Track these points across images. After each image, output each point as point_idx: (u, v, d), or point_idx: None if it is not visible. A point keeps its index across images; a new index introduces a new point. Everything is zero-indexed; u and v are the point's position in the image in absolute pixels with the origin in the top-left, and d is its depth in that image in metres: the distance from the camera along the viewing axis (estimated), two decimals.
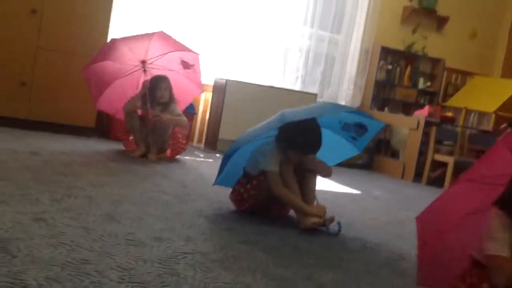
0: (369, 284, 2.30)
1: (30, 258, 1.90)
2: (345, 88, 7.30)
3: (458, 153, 6.73)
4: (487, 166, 2.10)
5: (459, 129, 6.98)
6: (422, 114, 6.73)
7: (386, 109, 7.49)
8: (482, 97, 7.33)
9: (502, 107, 7.11)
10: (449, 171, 6.28)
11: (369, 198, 4.64)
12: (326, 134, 3.25)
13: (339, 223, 3.06)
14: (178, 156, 4.95)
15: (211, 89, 6.32)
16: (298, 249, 2.65)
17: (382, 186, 5.57)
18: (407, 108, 7.65)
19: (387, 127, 7.10)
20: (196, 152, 5.68)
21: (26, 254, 1.93)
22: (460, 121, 7.32)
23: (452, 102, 7.68)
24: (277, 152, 3.12)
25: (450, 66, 7.85)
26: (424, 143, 6.57)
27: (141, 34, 4.90)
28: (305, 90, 6.90)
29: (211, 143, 6.14)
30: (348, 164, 6.27)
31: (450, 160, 6.33)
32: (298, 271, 2.29)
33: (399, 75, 7.60)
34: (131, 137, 4.84)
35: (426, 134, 6.57)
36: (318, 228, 3.03)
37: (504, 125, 6.23)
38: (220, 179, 3.39)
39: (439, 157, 6.49)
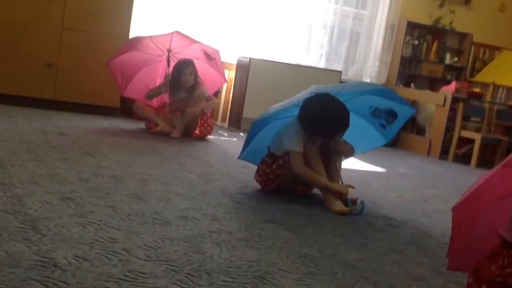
0: (395, 262, 2.29)
1: (59, 237, 1.94)
2: (370, 64, 7.22)
3: (485, 129, 6.63)
4: None
5: (486, 105, 6.86)
6: (449, 90, 6.63)
7: (412, 85, 7.39)
8: (510, 72, 7.18)
9: None
10: (476, 148, 6.20)
11: (395, 176, 4.61)
12: (356, 121, 3.22)
13: (362, 202, 3.04)
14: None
15: (234, 67, 6.31)
16: (324, 228, 2.65)
17: (408, 164, 5.53)
18: (434, 84, 7.54)
19: (413, 103, 7.02)
20: (220, 131, 5.70)
21: (55, 233, 1.98)
22: (488, 97, 7.19)
23: (480, 77, 7.54)
24: (302, 132, 3.10)
25: (477, 41, 7.69)
26: (451, 119, 6.48)
27: (161, 34, 4.97)
28: (330, 67, 6.84)
29: (235, 122, 6.15)
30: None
31: (477, 136, 6.24)
32: (324, 250, 2.30)
33: (425, 51, 7.48)
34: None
35: (452, 110, 6.48)
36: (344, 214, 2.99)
37: None
38: (245, 154, 3.39)
39: (466, 134, 6.40)
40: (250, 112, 5.85)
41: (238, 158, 3.45)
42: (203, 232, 2.27)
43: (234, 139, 5.31)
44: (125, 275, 1.71)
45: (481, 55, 7.94)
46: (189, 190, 2.95)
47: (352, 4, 7.03)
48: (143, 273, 1.75)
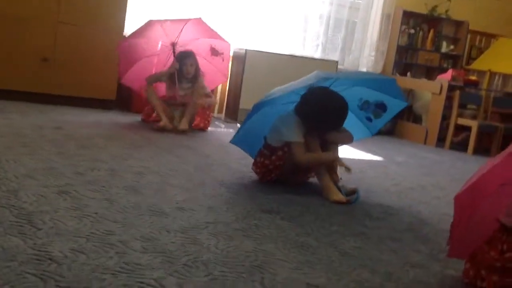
0: (392, 250, 2.29)
1: (55, 230, 1.94)
2: (366, 54, 7.20)
3: (482, 117, 6.62)
4: None
5: (483, 93, 6.85)
6: (445, 78, 6.62)
7: (408, 74, 7.38)
8: (506, 59, 7.17)
9: None
10: (472, 135, 6.20)
11: (391, 164, 4.61)
12: None
13: (357, 191, 3.04)
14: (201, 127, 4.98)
15: (231, 59, 6.28)
16: (321, 217, 2.65)
17: (405, 152, 5.53)
18: (430, 73, 7.53)
19: (410, 92, 7.01)
20: (217, 123, 5.69)
21: (51, 226, 1.97)
22: (484, 84, 7.18)
23: (476, 65, 7.53)
24: (301, 124, 3.10)
25: (473, 29, 7.67)
26: (447, 107, 6.47)
27: (178, 19, 4.99)
28: (326, 57, 6.82)
29: (232, 113, 6.13)
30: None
31: (473, 124, 6.24)
32: (321, 239, 2.30)
33: (421, 39, 7.46)
34: (154, 115, 4.88)
35: (449, 99, 6.47)
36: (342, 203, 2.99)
37: None
38: (237, 139, 3.38)
39: (463, 121, 6.40)
40: (247, 103, 5.83)
41: (230, 142, 3.43)
42: (200, 223, 2.26)
43: (231, 130, 5.30)
44: (121, 267, 1.71)
45: (477, 43, 7.93)
46: (185, 182, 2.94)
47: None
48: (140, 264, 1.75)
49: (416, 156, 5.35)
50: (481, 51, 7.83)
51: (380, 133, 6.62)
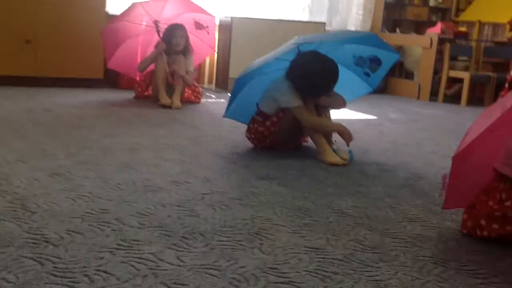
0: (389, 206, 2.29)
1: (49, 213, 1.92)
2: (354, 13, 7.11)
3: (473, 68, 6.58)
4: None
5: (473, 43, 6.80)
6: (434, 31, 6.56)
7: (397, 30, 7.30)
8: (495, 8, 7.10)
9: None
10: (465, 87, 6.18)
11: (386, 122, 4.60)
12: (340, 71, 3.19)
13: (350, 152, 3.02)
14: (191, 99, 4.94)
15: (217, 29, 6.20)
16: (317, 179, 2.65)
17: (398, 109, 5.51)
18: (420, 27, 7.45)
19: (400, 49, 6.95)
20: (208, 94, 5.64)
21: (45, 209, 1.96)
22: (474, 35, 7.12)
23: (465, 16, 7.45)
24: (295, 89, 3.07)
25: None
26: (439, 61, 6.43)
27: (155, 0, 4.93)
28: (313, 19, 6.74)
29: (222, 83, 6.08)
30: None
31: (465, 75, 6.21)
32: (318, 201, 2.29)
33: None
34: (147, 92, 4.86)
35: (440, 52, 6.42)
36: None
37: None
38: (230, 112, 3.36)
39: (455, 74, 6.37)
40: (236, 72, 5.71)
41: (224, 116, 3.42)
42: (196, 195, 2.25)
43: (222, 100, 5.26)
44: (119, 244, 1.70)
45: None
46: (179, 155, 2.92)
47: None
48: (137, 240, 1.74)
49: (409, 112, 5.33)
50: (469, 2, 7.73)
51: (372, 91, 6.59)
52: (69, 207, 2.00)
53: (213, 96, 5.55)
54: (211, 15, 5.12)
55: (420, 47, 6.62)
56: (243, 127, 3.33)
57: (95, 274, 1.49)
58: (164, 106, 4.49)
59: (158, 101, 4.59)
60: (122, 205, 2.06)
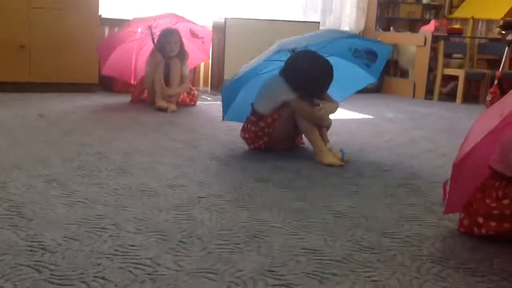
0: (386, 206, 2.29)
1: (46, 219, 1.92)
2: (347, 12, 7.11)
3: (468, 65, 6.59)
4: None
5: (467, 40, 6.81)
6: (428, 29, 6.55)
7: (391, 28, 7.31)
8: (488, 4, 7.10)
9: (510, 12, 6.89)
10: (460, 84, 6.18)
11: (382, 121, 4.60)
12: (341, 63, 3.19)
13: (341, 151, 3.01)
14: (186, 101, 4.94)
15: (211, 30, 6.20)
16: (313, 181, 2.65)
17: (394, 108, 5.51)
18: (414, 25, 7.46)
19: (394, 47, 6.95)
20: (203, 96, 5.64)
21: (42, 216, 1.95)
22: (468, 32, 7.13)
23: (458, 13, 7.45)
24: (289, 88, 3.08)
25: None
26: (433, 59, 6.44)
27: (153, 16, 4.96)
28: (307, 19, 6.74)
29: (217, 84, 6.06)
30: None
31: (460, 73, 6.21)
32: (314, 202, 2.29)
33: None
34: (143, 96, 4.87)
35: (434, 50, 6.43)
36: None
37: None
38: (229, 115, 3.36)
39: (449, 71, 6.37)
40: (231, 73, 5.69)
41: (223, 120, 3.42)
42: (192, 199, 2.25)
43: (218, 102, 5.24)
44: (116, 250, 1.69)
45: None
46: (175, 159, 2.92)
47: None
48: (134, 245, 1.74)
49: (405, 111, 5.34)
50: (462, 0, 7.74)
51: (368, 90, 6.59)
52: (66, 213, 2.00)
53: (209, 98, 5.54)
54: (208, 29, 5.15)
55: (415, 45, 6.63)
56: (239, 129, 3.33)
57: (93, 280, 1.49)
58: (160, 109, 4.48)
59: (154, 104, 4.58)
60: (119, 210, 2.06)
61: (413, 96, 6.51)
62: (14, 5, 4.93)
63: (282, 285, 1.52)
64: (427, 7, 7.52)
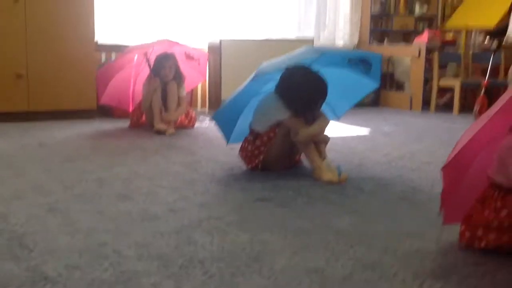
0: (387, 222, 2.29)
1: (47, 249, 1.92)
2: (341, 27, 7.16)
3: (463, 75, 6.62)
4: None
5: (461, 51, 6.85)
6: (422, 40, 6.60)
7: (385, 40, 7.36)
8: (481, 14, 7.15)
9: (502, 20, 6.93)
10: (456, 95, 6.21)
11: (380, 135, 4.62)
12: (341, 72, 3.20)
13: (338, 167, 3.01)
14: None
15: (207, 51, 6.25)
16: (313, 199, 2.65)
17: (392, 121, 5.53)
18: (407, 37, 7.50)
19: (389, 60, 7.00)
20: (202, 117, 5.66)
21: (43, 246, 1.95)
22: (462, 42, 7.17)
23: (451, 23, 7.50)
24: (284, 105, 3.10)
25: None
26: (428, 70, 6.47)
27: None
28: (301, 36, 6.79)
29: (215, 105, 6.09)
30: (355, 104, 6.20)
31: (456, 83, 6.24)
32: (316, 221, 2.29)
33: (394, 4, 7.43)
34: (142, 120, 4.90)
35: (429, 61, 6.47)
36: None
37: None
38: (233, 138, 3.38)
39: (445, 82, 6.40)
40: (228, 93, 5.76)
41: (228, 143, 3.42)
42: (193, 222, 2.25)
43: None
44: (117, 277, 1.70)
45: (449, 0, 7.89)
46: (175, 182, 2.93)
47: None
48: (136, 272, 1.74)
49: (403, 123, 5.36)
50: (454, 9, 7.78)
51: (365, 104, 6.63)
52: (67, 242, 2.00)
53: (206, 119, 5.56)
54: (203, 51, 5.21)
55: (409, 57, 6.66)
56: (238, 149, 3.34)
57: None
58: (159, 132, 4.50)
59: (153, 127, 4.60)
60: (120, 237, 2.06)
61: (410, 109, 6.54)
62: (11, 34, 4.97)
63: None
64: (420, 18, 7.57)
